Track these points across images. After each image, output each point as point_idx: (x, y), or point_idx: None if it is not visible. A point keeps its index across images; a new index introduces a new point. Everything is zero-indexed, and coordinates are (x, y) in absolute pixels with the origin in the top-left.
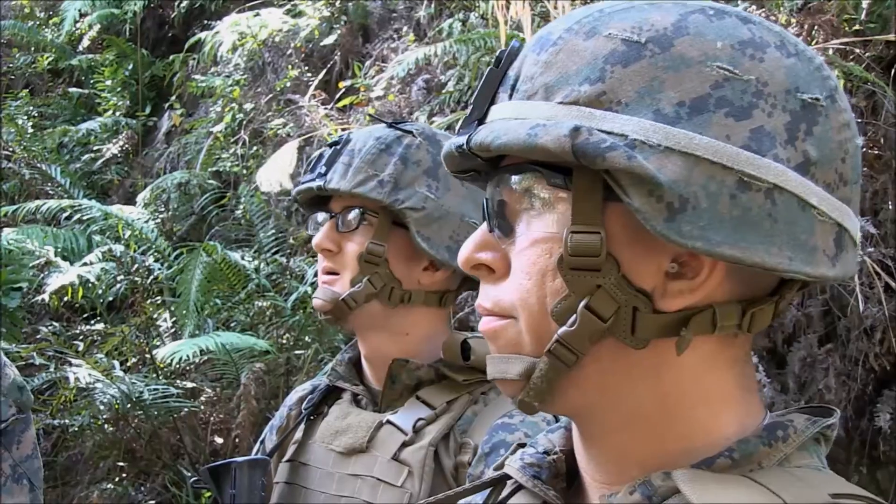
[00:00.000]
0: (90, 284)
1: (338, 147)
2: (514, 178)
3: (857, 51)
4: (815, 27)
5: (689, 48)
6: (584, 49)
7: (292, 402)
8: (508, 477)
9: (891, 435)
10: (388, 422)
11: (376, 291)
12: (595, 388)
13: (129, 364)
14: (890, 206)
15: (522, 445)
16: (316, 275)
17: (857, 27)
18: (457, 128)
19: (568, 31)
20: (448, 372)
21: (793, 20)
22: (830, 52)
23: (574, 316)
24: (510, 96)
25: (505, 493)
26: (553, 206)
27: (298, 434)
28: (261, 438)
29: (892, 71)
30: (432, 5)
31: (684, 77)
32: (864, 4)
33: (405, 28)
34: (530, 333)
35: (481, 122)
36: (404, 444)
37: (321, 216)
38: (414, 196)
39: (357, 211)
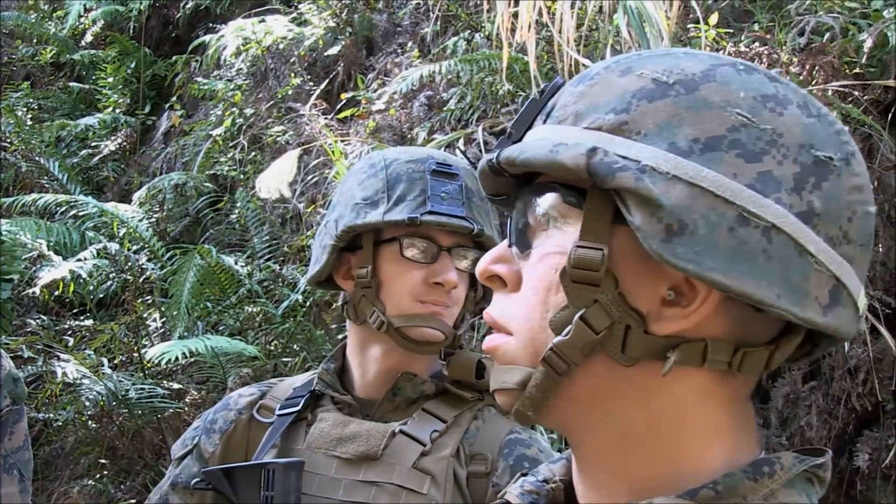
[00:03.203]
0: (81, 280)
1: (455, 182)
2: (537, 198)
3: (856, 93)
4: (816, 68)
5: (712, 93)
6: (617, 84)
7: (241, 406)
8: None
9: (868, 475)
10: (402, 432)
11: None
12: (587, 403)
13: (116, 362)
14: (880, 249)
15: (525, 474)
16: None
17: (857, 70)
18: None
19: (606, 69)
20: (452, 388)
21: (794, 60)
22: (830, 93)
23: (570, 326)
24: (545, 121)
25: None
26: (566, 224)
27: (276, 439)
28: (193, 442)
29: (889, 115)
30: (438, 22)
31: (704, 118)
32: (866, 48)
33: (409, 43)
34: (528, 346)
35: (516, 143)
36: (422, 454)
37: (426, 245)
38: None
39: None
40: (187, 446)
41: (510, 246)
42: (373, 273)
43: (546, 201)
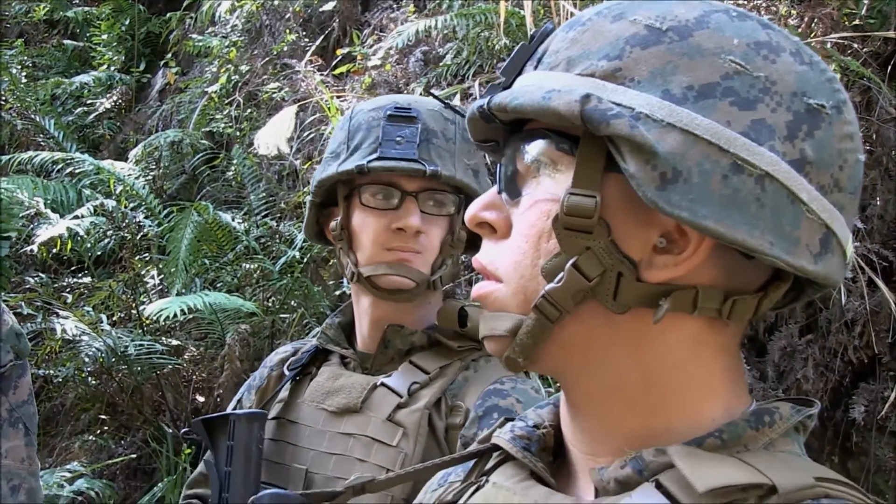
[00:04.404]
0: (79, 238)
1: (412, 125)
2: (526, 144)
3: (856, 45)
4: (815, 20)
5: (706, 40)
6: (609, 30)
7: (273, 363)
8: (494, 449)
9: (864, 426)
10: (382, 384)
11: (454, 272)
12: (579, 351)
13: (115, 319)
14: (878, 202)
15: (511, 419)
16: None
17: (856, 22)
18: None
19: (598, 14)
20: (442, 338)
21: (793, 11)
22: (829, 45)
23: (562, 273)
24: (535, 67)
25: (490, 464)
26: (558, 171)
27: (284, 393)
28: (237, 397)
29: (889, 67)
30: None
31: (697, 65)
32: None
33: None
34: (519, 293)
35: (506, 89)
36: (399, 406)
37: (388, 191)
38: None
39: (458, 198)
40: (234, 404)
41: (500, 193)
42: (343, 225)
43: (535, 148)
